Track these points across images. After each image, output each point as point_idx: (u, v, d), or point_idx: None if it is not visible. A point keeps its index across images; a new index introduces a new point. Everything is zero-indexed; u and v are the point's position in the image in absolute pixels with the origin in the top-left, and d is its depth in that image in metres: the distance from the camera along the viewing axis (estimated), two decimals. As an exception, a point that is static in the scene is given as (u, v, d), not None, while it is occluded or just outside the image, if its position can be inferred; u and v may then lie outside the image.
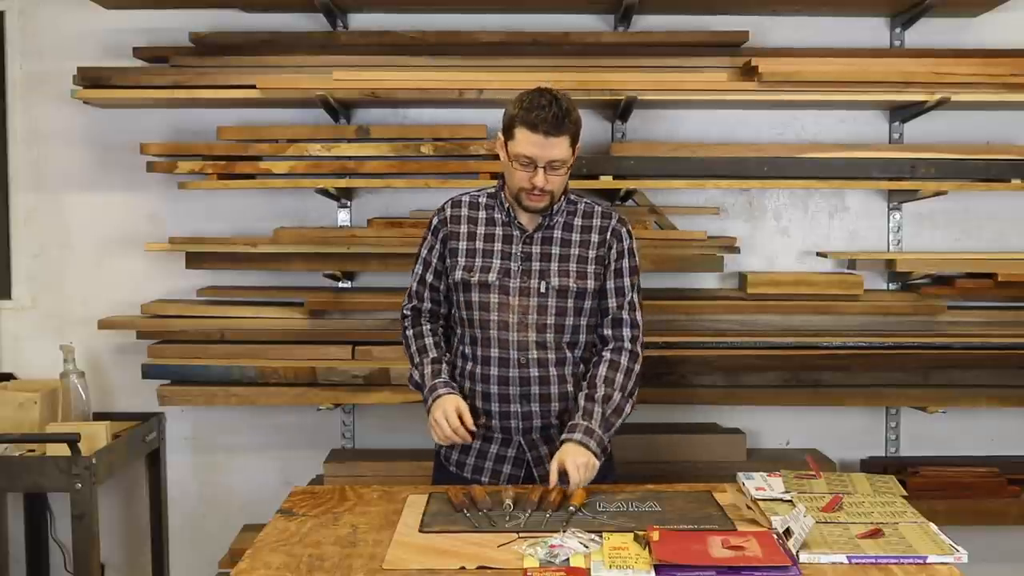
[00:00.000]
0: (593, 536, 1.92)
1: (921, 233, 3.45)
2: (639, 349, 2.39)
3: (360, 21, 3.38)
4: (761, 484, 2.23)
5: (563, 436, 2.24)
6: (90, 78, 3.16)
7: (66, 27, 3.37)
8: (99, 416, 3.24)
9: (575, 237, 2.38)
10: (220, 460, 3.51)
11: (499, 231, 2.39)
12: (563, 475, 2.16)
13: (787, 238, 3.45)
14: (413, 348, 2.47)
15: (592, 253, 2.38)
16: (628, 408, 2.33)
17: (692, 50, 3.22)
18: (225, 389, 3.16)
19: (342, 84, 3.09)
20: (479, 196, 2.46)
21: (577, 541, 1.88)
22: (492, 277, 2.36)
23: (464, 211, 2.43)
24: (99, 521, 2.92)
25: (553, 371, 2.35)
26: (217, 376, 3.16)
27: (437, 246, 2.44)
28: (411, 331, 2.49)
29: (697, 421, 3.42)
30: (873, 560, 1.83)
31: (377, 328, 3.21)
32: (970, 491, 3.23)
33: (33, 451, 2.91)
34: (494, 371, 2.35)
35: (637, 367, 2.37)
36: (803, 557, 1.83)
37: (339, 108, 3.26)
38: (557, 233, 2.38)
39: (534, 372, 2.34)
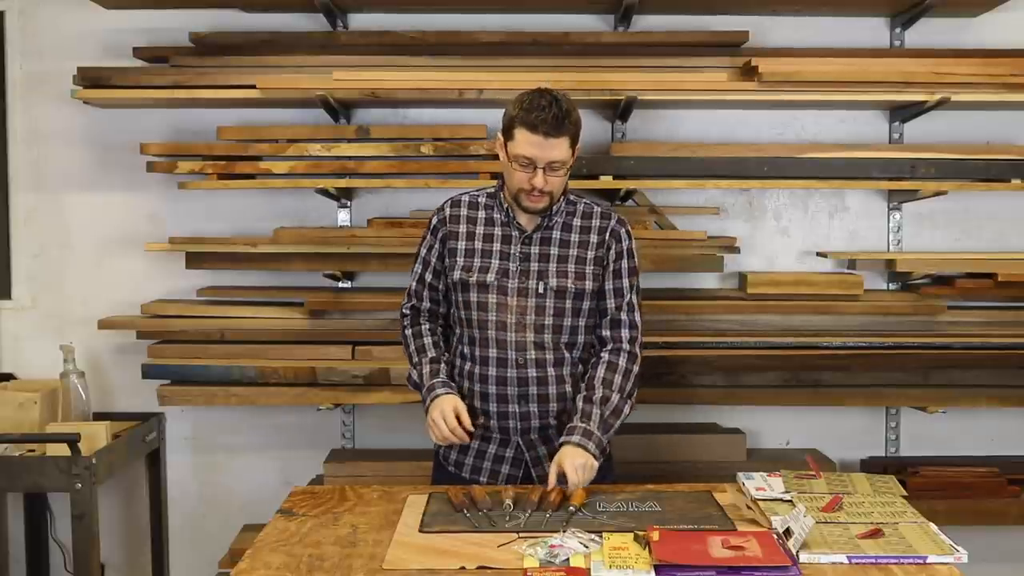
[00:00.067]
0: (593, 536, 1.92)
1: (921, 233, 3.45)
2: (637, 350, 2.39)
3: (360, 21, 3.38)
4: (761, 484, 2.23)
5: (561, 439, 2.24)
6: (90, 78, 3.16)
7: (66, 27, 3.37)
8: (99, 416, 3.24)
9: (574, 238, 2.38)
10: (220, 460, 3.51)
11: (498, 231, 2.39)
12: (562, 477, 2.17)
13: (787, 238, 3.45)
14: (412, 348, 2.47)
15: (591, 254, 2.38)
16: (627, 409, 2.33)
17: (692, 50, 3.22)
18: (225, 389, 3.16)
19: (342, 84, 3.09)
20: (478, 196, 2.46)
21: (577, 541, 1.88)
22: (490, 277, 2.36)
23: (463, 211, 2.43)
24: (99, 521, 2.92)
25: (551, 371, 2.35)
26: (217, 376, 3.16)
27: (436, 245, 2.44)
28: (410, 330, 2.49)
29: (697, 421, 3.42)
30: (873, 560, 1.83)
31: (377, 328, 3.21)
32: (970, 491, 3.23)
33: (33, 451, 2.91)
34: (492, 371, 2.35)
35: (636, 368, 2.37)
36: (803, 557, 1.83)
37: (339, 108, 3.26)
38: (556, 234, 2.38)
39: (532, 372, 2.34)
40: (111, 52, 3.33)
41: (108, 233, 3.43)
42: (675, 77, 3.12)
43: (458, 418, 2.29)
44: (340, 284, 3.41)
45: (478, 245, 2.39)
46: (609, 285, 2.38)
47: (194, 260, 3.29)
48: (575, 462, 2.16)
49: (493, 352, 2.35)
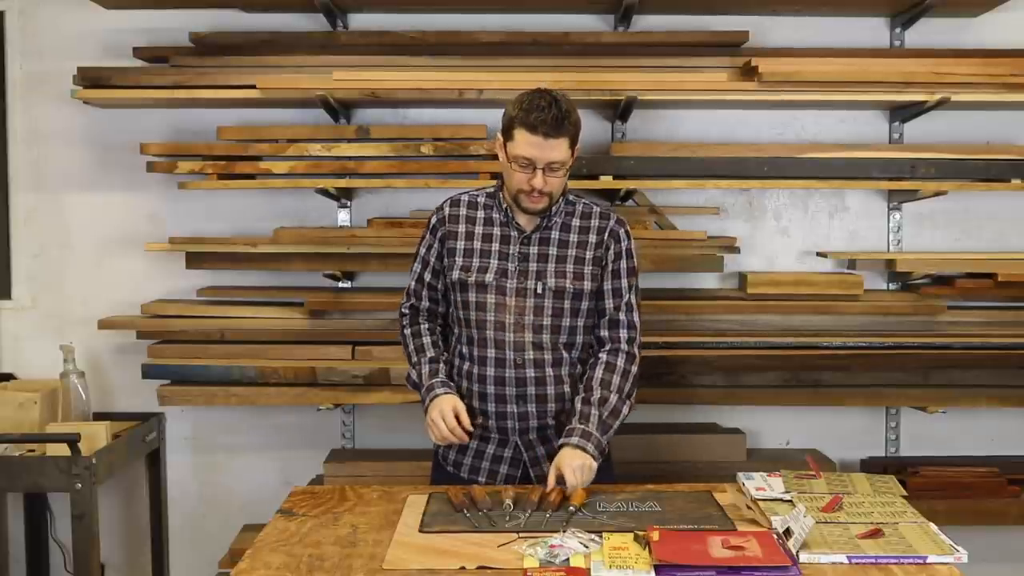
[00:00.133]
0: (593, 536, 1.92)
1: (921, 233, 3.45)
2: (636, 350, 2.39)
3: (360, 21, 3.38)
4: (761, 484, 2.23)
5: (560, 441, 2.25)
6: (90, 78, 3.16)
7: (66, 27, 3.37)
8: (99, 416, 3.24)
9: (573, 238, 2.38)
10: (220, 460, 3.51)
11: (497, 231, 2.39)
12: (560, 479, 2.16)
13: (787, 238, 3.45)
14: (411, 347, 2.47)
15: (590, 254, 2.37)
16: (626, 410, 2.33)
17: (692, 50, 3.22)
18: (225, 389, 3.16)
19: (342, 84, 3.09)
20: (478, 196, 2.46)
21: (577, 541, 1.88)
22: (489, 277, 2.35)
23: (462, 210, 2.43)
24: (99, 521, 2.92)
25: (550, 372, 2.35)
26: (217, 376, 3.16)
27: (435, 245, 2.44)
28: (409, 330, 2.49)
29: (697, 421, 3.42)
30: (873, 560, 1.83)
31: (377, 328, 3.21)
32: (970, 491, 3.23)
33: (33, 451, 2.91)
34: (491, 371, 2.35)
35: (634, 368, 2.37)
36: (803, 557, 1.83)
37: (339, 108, 3.26)
38: (555, 234, 2.38)
39: (530, 373, 2.34)
40: (111, 52, 3.34)
41: (108, 233, 3.43)
42: (675, 77, 3.12)
43: (457, 418, 2.29)
44: (340, 284, 3.42)
45: (477, 245, 2.39)
46: (608, 285, 2.38)
47: (194, 260, 3.29)
48: (573, 464, 2.16)
49: (491, 352, 2.35)
